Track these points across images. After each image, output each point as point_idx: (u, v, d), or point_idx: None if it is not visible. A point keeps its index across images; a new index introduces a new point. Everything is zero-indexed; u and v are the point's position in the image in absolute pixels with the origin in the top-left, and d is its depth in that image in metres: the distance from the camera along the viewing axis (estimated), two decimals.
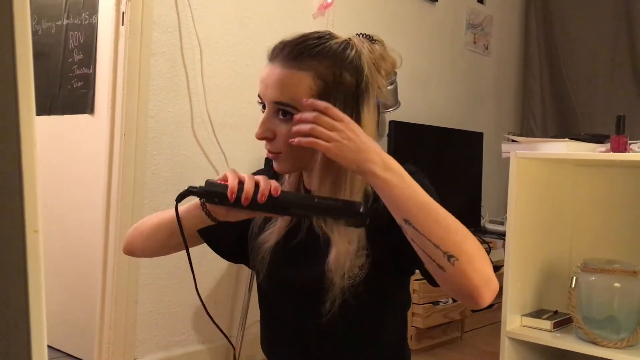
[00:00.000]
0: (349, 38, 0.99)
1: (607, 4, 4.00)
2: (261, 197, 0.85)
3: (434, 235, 0.83)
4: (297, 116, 0.90)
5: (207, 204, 0.91)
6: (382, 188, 0.86)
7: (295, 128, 0.90)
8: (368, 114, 0.96)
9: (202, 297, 2.44)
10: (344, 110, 0.92)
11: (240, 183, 0.86)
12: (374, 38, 1.01)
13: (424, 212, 0.85)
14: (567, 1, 4.16)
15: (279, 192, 0.86)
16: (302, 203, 0.88)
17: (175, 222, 0.94)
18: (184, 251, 0.97)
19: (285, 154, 0.97)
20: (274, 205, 0.86)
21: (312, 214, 0.89)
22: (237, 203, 0.85)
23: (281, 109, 0.94)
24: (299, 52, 0.94)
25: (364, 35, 1.01)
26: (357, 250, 0.96)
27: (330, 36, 0.98)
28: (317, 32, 0.99)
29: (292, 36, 0.97)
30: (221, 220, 0.94)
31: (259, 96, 0.98)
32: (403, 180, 0.86)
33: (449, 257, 0.83)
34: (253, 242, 1.06)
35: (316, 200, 0.87)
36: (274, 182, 0.86)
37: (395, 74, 1.06)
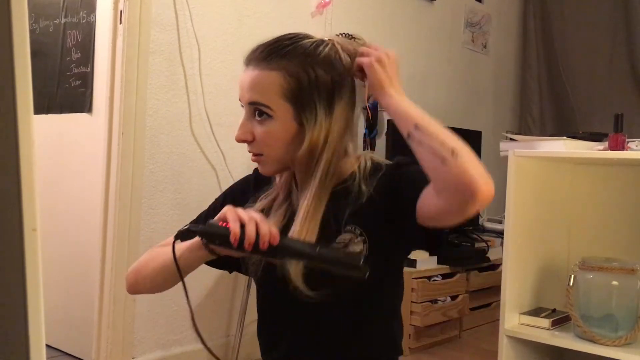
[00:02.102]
0: (327, 38, 1.00)
1: (605, 3, 4.01)
2: (263, 245, 0.86)
3: (440, 134, 0.91)
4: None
5: (207, 242, 0.92)
6: (395, 104, 0.94)
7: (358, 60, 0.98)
8: (341, 109, 0.98)
9: (201, 296, 2.46)
10: (323, 108, 0.96)
11: (242, 226, 0.87)
12: (354, 37, 1.03)
13: (429, 120, 0.93)
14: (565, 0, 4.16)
15: (278, 240, 0.87)
16: (302, 252, 0.88)
17: (172, 265, 0.95)
18: None
19: (266, 155, 0.99)
20: (275, 251, 0.87)
21: (312, 264, 0.91)
22: (239, 247, 0.87)
23: (257, 110, 0.97)
24: (269, 52, 0.97)
25: (345, 35, 1.02)
26: (353, 238, 0.98)
27: (305, 36, 1.00)
28: (292, 34, 1.01)
29: (266, 39, 1.00)
30: (220, 255, 0.95)
31: (240, 101, 1.00)
32: (412, 104, 0.96)
33: (453, 151, 0.89)
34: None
35: (317, 250, 0.87)
36: (273, 229, 0.87)
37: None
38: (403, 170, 1.00)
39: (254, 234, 0.86)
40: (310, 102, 0.95)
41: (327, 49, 0.98)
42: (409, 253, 1.12)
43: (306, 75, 0.95)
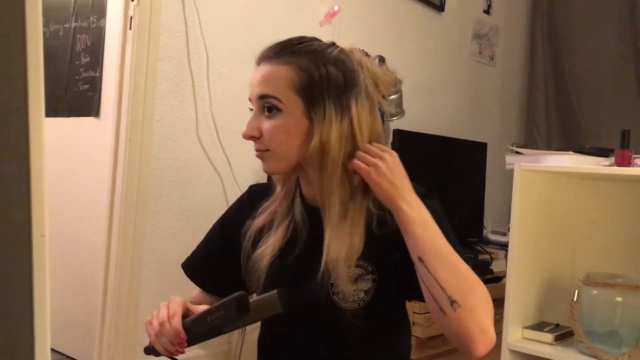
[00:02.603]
0: (338, 45, 1.00)
1: (612, 17, 4.01)
2: (181, 348, 0.93)
3: (443, 278, 0.86)
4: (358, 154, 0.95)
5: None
6: (405, 224, 0.89)
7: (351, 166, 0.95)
8: (357, 108, 0.96)
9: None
10: (333, 105, 0.94)
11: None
12: (367, 52, 1.02)
13: (438, 255, 0.88)
14: (573, 13, 4.16)
15: (183, 335, 0.91)
16: (200, 333, 0.93)
17: None
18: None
19: (272, 150, 0.96)
20: (192, 340, 0.93)
21: (220, 331, 0.93)
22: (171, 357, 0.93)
23: (266, 104, 0.95)
24: (281, 48, 0.97)
25: (360, 50, 1.02)
26: (363, 275, 0.96)
27: (315, 39, 1.00)
28: (303, 36, 1.00)
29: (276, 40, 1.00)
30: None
31: (249, 100, 1.00)
32: (425, 222, 0.89)
33: (452, 302, 0.85)
34: (247, 262, 1.04)
35: (208, 319, 0.91)
36: (177, 331, 0.91)
37: (401, 82, 1.07)
38: (431, 213, 0.94)
39: (169, 343, 0.92)
40: (320, 98, 0.93)
41: (336, 50, 0.97)
42: (410, 299, 1.09)
43: (317, 71, 0.94)
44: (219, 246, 1.08)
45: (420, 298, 0.94)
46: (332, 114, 0.93)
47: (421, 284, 0.88)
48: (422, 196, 0.95)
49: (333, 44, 0.99)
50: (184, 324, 0.91)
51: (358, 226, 0.95)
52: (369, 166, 0.92)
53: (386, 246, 0.95)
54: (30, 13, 0.39)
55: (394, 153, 0.94)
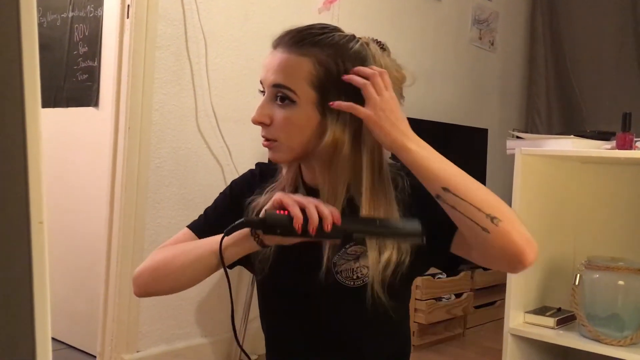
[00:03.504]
0: (358, 37, 0.99)
1: (613, 1, 3.98)
2: (327, 227, 0.84)
3: (475, 198, 0.85)
4: (353, 70, 0.91)
5: (257, 233, 0.89)
6: (419, 161, 0.88)
7: (347, 77, 0.91)
8: None
9: (205, 291, 2.46)
10: (347, 100, 0.92)
11: (302, 211, 0.84)
12: (384, 45, 1.01)
13: (461, 178, 0.87)
14: None
15: (340, 220, 0.85)
16: (365, 229, 0.87)
17: (213, 257, 0.92)
18: None
19: (281, 141, 0.96)
20: (338, 231, 0.85)
21: (374, 237, 0.90)
22: (302, 233, 0.84)
23: (279, 93, 0.94)
24: (301, 38, 0.94)
25: (374, 40, 1.00)
26: (365, 251, 0.96)
27: (336, 29, 0.98)
28: (323, 24, 0.99)
29: (296, 26, 0.97)
30: (270, 245, 0.93)
31: (260, 82, 0.98)
32: (436, 153, 0.89)
33: (492, 218, 0.84)
34: None
35: (377, 223, 0.88)
36: (334, 210, 0.85)
37: (413, 78, 1.05)
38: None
39: (317, 218, 0.83)
40: (335, 94, 0.92)
41: (357, 45, 0.95)
42: (426, 271, 1.09)
43: (335, 67, 0.93)
44: (228, 211, 1.06)
45: (440, 264, 0.97)
46: (346, 112, 0.93)
47: (452, 214, 0.87)
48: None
49: (354, 37, 0.97)
50: (343, 214, 0.87)
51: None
52: (371, 105, 0.88)
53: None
54: (24, 2, 0.39)
55: (392, 95, 0.91)
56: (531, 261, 0.85)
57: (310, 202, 0.85)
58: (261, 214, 0.88)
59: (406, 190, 0.98)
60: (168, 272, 0.99)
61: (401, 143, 0.88)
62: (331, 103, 0.91)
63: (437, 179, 0.87)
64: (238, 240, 0.92)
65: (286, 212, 0.85)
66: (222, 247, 0.91)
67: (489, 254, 0.88)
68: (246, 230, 0.91)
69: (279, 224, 0.85)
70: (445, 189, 0.86)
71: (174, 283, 1.01)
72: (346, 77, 0.91)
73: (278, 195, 0.87)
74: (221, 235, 0.91)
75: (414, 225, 0.85)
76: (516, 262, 0.85)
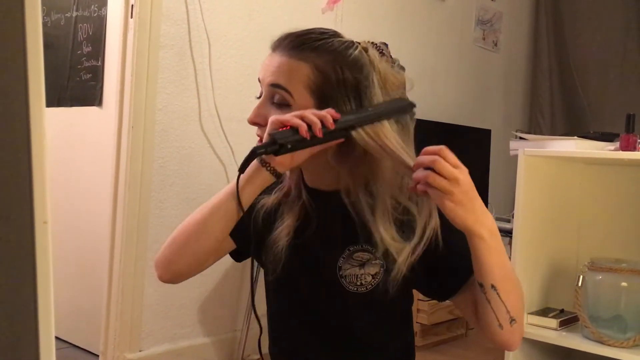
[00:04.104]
0: (356, 42, 0.99)
1: (617, 1, 3.97)
2: (329, 125, 0.87)
3: (511, 303, 0.89)
4: (418, 159, 0.85)
5: (267, 161, 0.90)
6: (484, 253, 0.87)
7: (415, 175, 0.85)
8: None
9: (208, 290, 2.46)
10: (346, 108, 0.92)
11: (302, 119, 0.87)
12: (382, 50, 1.00)
13: (509, 280, 0.90)
14: None
15: (339, 115, 0.88)
16: (361, 117, 0.90)
17: (231, 201, 0.91)
18: None
19: None
20: (341, 127, 0.88)
21: (376, 120, 0.92)
22: (312, 138, 0.86)
23: (276, 95, 0.94)
24: (300, 42, 0.94)
25: (373, 44, 1.00)
26: (371, 259, 0.97)
27: (335, 34, 0.98)
28: (322, 29, 0.98)
29: (297, 29, 0.97)
30: (282, 173, 0.94)
31: (258, 80, 0.98)
32: (500, 246, 0.88)
33: (512, 320, 0.90)
34: (260, 235, 1.05)
35: (370, 109, 0.91)
36: (330, 110, 0.88)
37: (404, 69, 1.04)
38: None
39: (317, 120, 0.86)
40: (332, 101, 0.92)
41: (356, 51, 0.95)
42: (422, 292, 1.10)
43: (334, 74, 0.93)
44: None
45: (439, 298, 1.01)
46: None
47: (483, 305, 0.90)
48: None
49: (352, 43, 0.97)
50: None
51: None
52: (444, 192, 0.82)
53: (405, 237, 0.94)
54: (29, 1, 0.39)
55: (465, 170, 0.85)
56: (516, 349, 0.96)
57: (304, 111, 0.88)
58: (265, 139, 0.88)
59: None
60: (187, 235, 0.97)
61: (476, 231, 0.85)
62: (410, 188, 0.87)
63: (491, 275, 0.88)
64: (251, 177, 0.92)
65: (288, 126, 0.86)
66: (239, 184, 0.91)
67: (485, 331, 0.93)
68: (257, 165, 0.91)
69: (287, 139, 0.86)
70: (493, 287, 0.88)
71: (195, 246, 0.96)
72: (415, 175, 0.85)
73: (273, 117, 0.88)
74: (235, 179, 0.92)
75: (403, 99, 0.92)
76: (503, 348, 0.95)
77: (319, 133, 0.85)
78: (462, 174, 0.84)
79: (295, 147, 0.87)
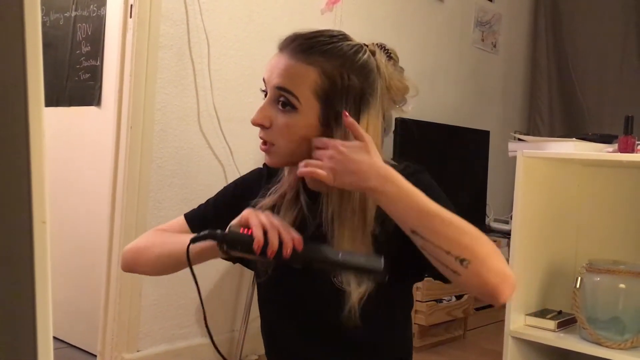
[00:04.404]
0: (365, 44, 0.98)
1: (616, 4, 3.98)
2: (286, 252, 0.85)
3: (443, 241, 0.84)
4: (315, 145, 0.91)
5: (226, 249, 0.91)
6: (385, 202, 0.87)
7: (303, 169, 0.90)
8: (368, 120, 0.95)
9: (206, 291, 2.46)
10: (348, 113, 0.92)
11: (265, 233, 0.85)
12: (391, 54, 1.00)
13: (429, 219, 0.84)
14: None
15: (302, 247, 0.86)
16: (325, 259, 0.87)
17: (182, 256, 0.94)
18: None
19: (278, 146, 0.96)
20: (297, 258, 0.86)
21: (335, 270, 0.91)
22: (261, 254, 0.86)
23: (282, 98, 0.93)
24: (309, 46, 0.94)
25: (381, 47, 0.99)
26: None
27: (344, 37, 0.97)
28: (331, 31, 0.98)
29: (305, 30, 0.97)
30: (235, 257, 0.95)
31: (263, 80, 0.97)
32: (404, 191, 0.86)
33: (461, 260, 0.83)
34: None
35: (340, 256, 0.87)
36: (296, 236, 0.86)
37: (403, 70, 1.04)
38: (425, 188, 0.89)
39: (277, 243, 0.84)
40: (339, 107, 0.92)
41: (365, 56, 0.95)
42: (422, 278, 1.08)
43: (340, 80, 0.92)
44: (228, 208, 1.06)
45: (432, 273, 0.94)
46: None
47: (425, 253, 0.86)
48: (414, 173, 0.94)
49: (361, 48, 0.96)
50: (304, 240, 0.88)
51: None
52: (318, 168, 0.87)
53: (390, 230, 0.94)
54: (28, 1, 0.39)
55: (337, 142, 0.88)
56: (506, 297, 0.85)
57: (273, 227, 0.86)
58: (227, 230, 0.89)
59: None
60: (146, 258, 1.07)
61: (365, 187, 0.87)
62: (298, 172, 0.91)
63: (404, 221, 0.86)
64: (205, 248, 0.94)
65: (251, 230, 0.86)
66: (190, 252, 0.93)
67: (465, 290, 0.90)
68: (212, 243, 0.92)
69: (239, 242, 0.87)
70: (413, 232, 0.85)
71: (149, 269, 1.10)
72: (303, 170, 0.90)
73: (245, 213, 0.89)
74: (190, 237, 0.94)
75: (377, 262, 0.84)
76: (491, 299, 0.86)
77: (270, 254, 0.85)
78: (332, 147, 0.88)
79: (243, 252, 0.89)
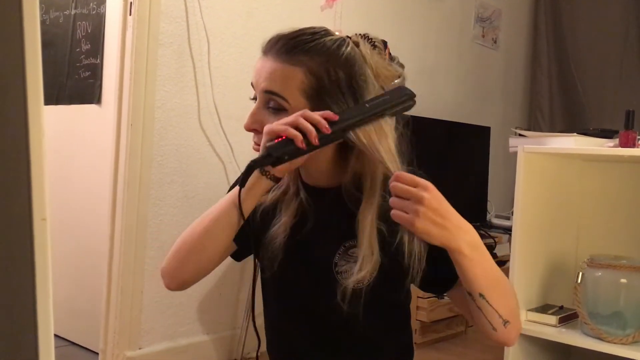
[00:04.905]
0: (347, 36, 0.98)
1: None
2: (325, 130, 0.86)
3: (502, 307, 0.91)
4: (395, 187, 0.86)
5: (266, 169, 0.90)
6: (467, 266, 0.88)
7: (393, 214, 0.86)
8: None
9: (207, 288, 2.46)
10: (338, 109, 0.92)
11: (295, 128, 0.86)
12: (375, 42, 1.00)
13: (497, 287, 0.91)
14: None
15: (336, 117, 0.87)
16: (358, 115, 0.88)
17: (233, 211, 0.92)
18: None
19: None
20: (337, 130, 0.87)
21: (372, 119, 0.90)
22: (308, 146, 0.85)
23: (271, 101, 0.94)
24: (292, 46, 0.94)
25: (365, 37, 0.99)
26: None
27: (326, 33, 0.97)
28: (313, 28, 0.98)
29: (287, 30, 0.97)
30: (282, 177, 0.94)
31: (251, 85, 0.98)
32: (485, 257, 0.89)
33: (505, 322, 0.91)
34: (258, 233, 1.05)
35: (367, 105, 0.89)
36: (325, 113, 0.87)
37: (403, 66, 1.03)
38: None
39: (312, 127, 0.85)
40: (327, 103, 0.92)
41: (348, 49, 0.95)
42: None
43: (327, 76, 0.93)
44: None
45: (438, 293, 1.02)
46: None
47: (476, 312, 0.92)
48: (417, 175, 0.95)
49: (344, 41, 0.96)
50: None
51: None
52: (407, 213, 0.83)
53: (395, 228, 0.93)
54: (27, 1, 0.39)
55: (430, 185, 0.84)
56: (512, 345, 0.99)
57: (298, 118, 0.86)
58: (261, 151, 0.89)
59: None
60: (192, 245, 0.98)
61: (454, 247, 0.86)
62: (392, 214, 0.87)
63: (477, 285, 0.89)
64: (252, 185, 0.93)
65: (283, 137, 0.86)
66: (241, 197, 0.92)
67: (480, 331, 0.95)
68: (256, 174, 0.92)
69: (282, 149, 0.86)
70: (481, 295, 0.90)
71: (201, 255, 0.98)
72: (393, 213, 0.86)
73: (267, 127, 0.89)
74: (237, 188, 0.93)
75: (402, 91, 0.87)
76: (501, 345, 0.99)
77: (314, 141, 0.85)
78: (425, 191, 0.83)
79: (292, 158, 0.87)
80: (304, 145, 0.85)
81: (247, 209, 0.94)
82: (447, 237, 0.85)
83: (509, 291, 0.94)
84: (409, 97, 0.89)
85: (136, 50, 2.22)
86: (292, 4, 2.70)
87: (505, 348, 2.01)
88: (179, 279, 1.01)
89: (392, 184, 0.85)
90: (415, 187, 0.84)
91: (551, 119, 4.21)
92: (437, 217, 0.83)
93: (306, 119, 0.86)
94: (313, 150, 0.87)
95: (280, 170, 0.90)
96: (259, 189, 0.94)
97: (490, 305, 0.90)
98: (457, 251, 0.86)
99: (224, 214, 0.95)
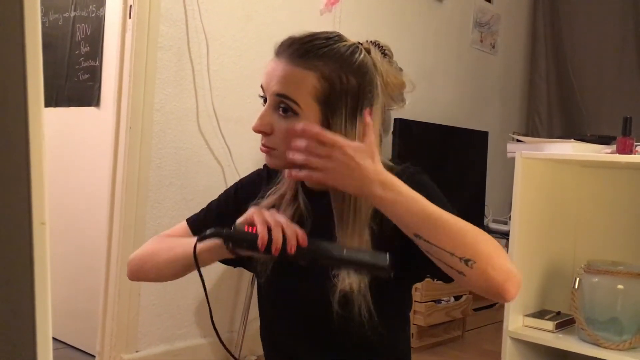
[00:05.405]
0: (359, 43, 0.98)
1: (615, 3, 3.99)
2: (290, 249, 0.85)
3: (447, 243, 0.84)
4: (293, 145, 0.87)
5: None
6: (385, 207, 0.86)
7: (290, 155, 0.87)
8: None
9: (204, 293, 2.45)
10: (348, 115, 0.92)
11: (269, 230, 0.85)
12: (386, 50, 1.00)
13: (432, 222, 0.85)
14: (575, 0, 4.14)
15: (306, 243, 0.86)
16: (330, 255, 0.87)
17: (190, 259, 0.94)
18: None
19: (280, 151, 0.95)
20: (301, 255, 0.86)
21: (340, 266, 0.91)
22: (266, 252, 0.85)
23: (282, 104, 0.93)
24: (306, 50, 0.93)
25: (375, 44, 1.00)
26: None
27: (339, 38, 0.97)
28: (326, 33, 0.98)
29: (301, 33, 0.96)
30: (241, 255, 0.94)
31: (261, 87, 0.97)
32: (404, 195, 0.86)
33: (466, 261, 0.84)
34: None
35: (344, 252, 0.87)
36: (300, 232, 0.86)
37: (401, 70, 1.04)
38: (424, 189, 0.90)
39: (281, 239, 0.84)
40: (338, 109, 0.93)
41: (361, 56, 0.95)
42: (422, 279, 1.08)
43: (339, 82, 0.92)
44: (231, 211, 1.06)
45: (432, 273, 0.94)
46: (347, 125, 0.93)
47: (429, 256, 0.87)
48: (413, 174, 0.95)
49: (357, 47, 0.96)
50: (309, 236, 0.87)
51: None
52: (318, 169, 0.85)
53: (389, 229, 0.94)
54: (28, 1, 0.39)
55: (339, 141, 0.85)
56: (513, 294, 0.85)
57: (277, 224, 0.85)
58: (232, 228, 0.89)
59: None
60: (152, 264, 1.07)
61: (366, 192, 0.86)
62: (287, 175, 0.92)
63: (407, 225, 0.86)
64: (211, 247, 0.93)
65: (255, 228, 0.86)
66: (197, 252, 0.93)
67: (472, 290, 0.89)
68: (218, 241, 0.92)
69: (244, 240, 0.87)
70: (416, 235, 0.86)
71: (156, 275, 1.09)
72: (289, 155, 0.87)
73: (250, 211, 0.89)
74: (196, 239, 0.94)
75: (382, 258, 0.84)
76: (498, 297, 0.86)
77: (274, 252, 0.85)
78: (336, 148, 0.84)
79: (249, 252, 0.89)
80: (263, 248, 0.85)
81: (203, 262, 0.95)
82: (359, 185, 0.85)
83: (462, 229, 0.86)
84: (385, 270, 0.84)
85: (135, 53, 2.22)
86: (292, 8, 2.71)
87: (502, 353, 2.01)
88: (139, 279, 1.12)
89: (304, 144, 0.85)
90: (324, 144, 0.85)
91: (549, 123, 4.22)
92: (346, 169, 0.84)
93: (284, 229, 0.85)
94: (267, 256, 0.88)
95: (239, 250, 0.90)
96: (215, 254, 0.95)
97: (433, 244, 0.84)
98: (372, 196, 0.86)
99: (181, 259, 1.00)
